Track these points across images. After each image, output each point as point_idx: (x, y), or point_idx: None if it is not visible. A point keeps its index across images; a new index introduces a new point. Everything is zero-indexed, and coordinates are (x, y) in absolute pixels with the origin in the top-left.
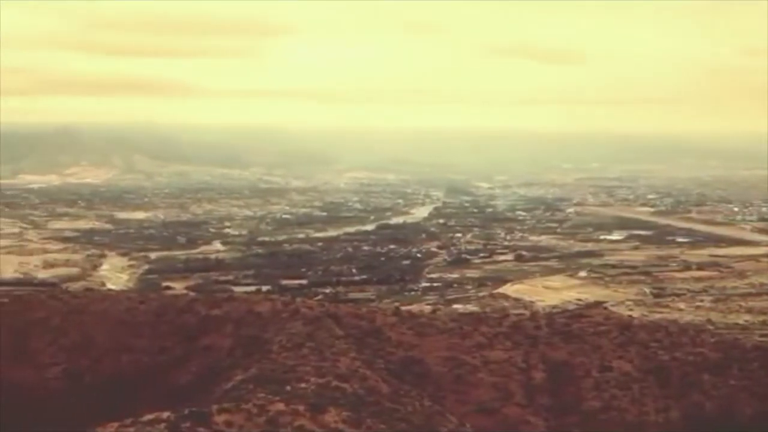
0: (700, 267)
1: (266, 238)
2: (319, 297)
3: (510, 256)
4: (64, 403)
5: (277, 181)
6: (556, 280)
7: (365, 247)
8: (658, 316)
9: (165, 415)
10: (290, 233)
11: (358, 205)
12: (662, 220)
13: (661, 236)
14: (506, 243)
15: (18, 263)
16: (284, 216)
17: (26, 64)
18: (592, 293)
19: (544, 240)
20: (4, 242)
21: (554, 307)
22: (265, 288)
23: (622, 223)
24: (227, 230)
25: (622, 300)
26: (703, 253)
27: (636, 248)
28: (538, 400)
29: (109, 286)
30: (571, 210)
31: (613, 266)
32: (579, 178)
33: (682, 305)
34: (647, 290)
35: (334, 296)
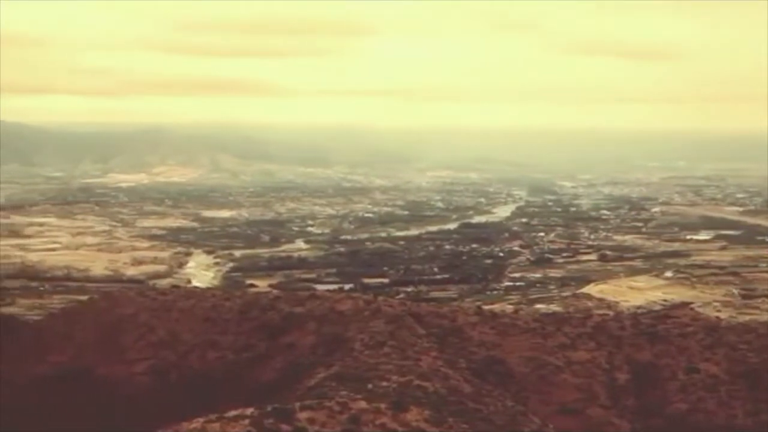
0: None
1: (349, 237)
2: (401, 296)
3: (594, 256)
4: (151, 398)
5: (359, 180)
6: (641, 281)
7: (447, 246)
8: (747, 317)
9: (249, 411)
10: (372, 232)
11: (440, 204)
12: (751, 220)
13: (750, 236)
14: (590, 242)
15: (108, 261)
16: (367, 215)
17: (116, 65)
18: (678, 294)
19: (629, 239)
20: (94, 240)
21: (639, 307)
22: (347, 286)
23: (710, 223)
24: (310, 229)
25: (710, 301)
26: None
27: (724, 248)
28: (622, 402)
29: (195, 283)
30: (656, 209)
31: (700, 266)
32: (665, 177)
33: None
34: (735, 291)
35: (416, 295)
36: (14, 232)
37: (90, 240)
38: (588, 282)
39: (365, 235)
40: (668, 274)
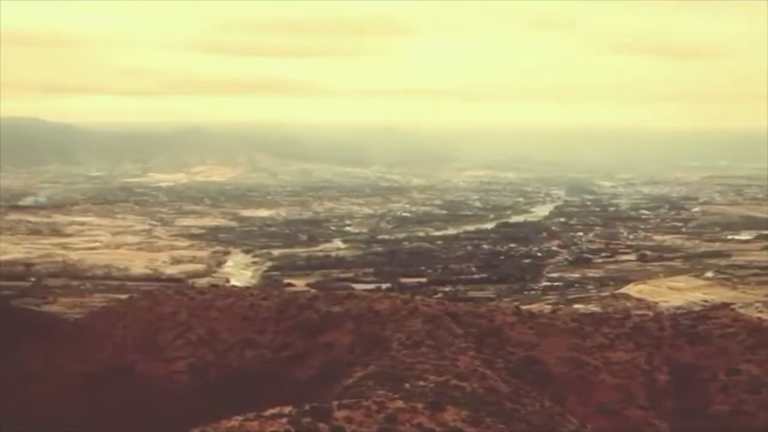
0: None
1: (386, 236)
2: (439, 295)
3: (633, 256)
4: (189, 396)
5: (397, 180)
6: (681, 281)
7: (485, 246)
8: None
9: (287, 410)
10: (410, 231)
11: (478, 204)
12: None
13: None
14: (629, 242)
15: (147, 259)
16: (404, 214)
17: (156, 65)
18: (718, 294)
19: (669, 239)
20: (134, 239)
21: (679, 308)
22: (384, 286)
23: (752, 223)
24: (348, 228)
25: (751, 302)
26: None
27: (766, 248)
28: (662, 403)
29: (233, 282)
30: (697, 209)
31: (742, 267)
32: (706, 176)
33: None
34: None
35: (454, 295)
36: (56, 231)
37: (130, 239)
38: (627, 282)
39: (403, 235)
40: (709, 274)
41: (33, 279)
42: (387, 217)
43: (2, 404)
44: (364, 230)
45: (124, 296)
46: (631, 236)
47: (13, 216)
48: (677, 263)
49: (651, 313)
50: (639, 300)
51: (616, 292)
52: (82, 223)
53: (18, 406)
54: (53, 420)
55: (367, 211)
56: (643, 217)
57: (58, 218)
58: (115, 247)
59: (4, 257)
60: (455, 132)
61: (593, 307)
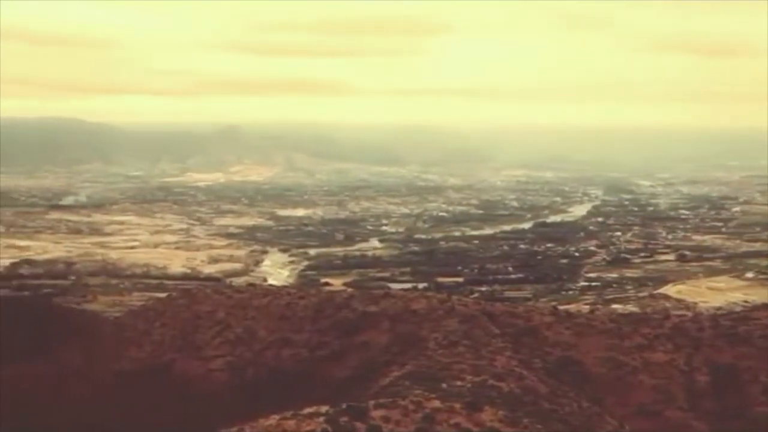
0: None
1: (423, 236)
2: (475, 295)
3: (672, 256)
4: (227, 394)
5: (433, 179)
6: (720, 281)
7: (522, 246)
8: None
9: (324, 408)
10: (447, 231)
11: (514, 203)
12: None
13: None
14: (668, 242)
15: (185, 258)
16: (441, 214)
17: (193, 66)
18: (759, 295)
19: (709, 239)
20: (172, 238)
21: (719, 308)
22: (421, 285)
23: None
24: (384, 228)
25: None
26: None
27: None
28: (701, 405)
29: (271, 281)
30: (737, 209)
31: None
32: (746, 176)
33: None
34: None
35: (490, 294)
36: (96, 230)
37: (168, 238)
38: (666, 282)
39: (439, 234)
40: (749, 274)
41: (73, 277)
42: (423, 216)
43: (42, 401)
44: (401, 230)
45: (162, 295)
46: (670, 236)
47: (54, 215)
48: (717, 263)
49: (690, 314)
50: (678, 300)
51: (655, 292)
52: (122, 223)
53: (58, 403)
54: (91, 417)
55: (404, 210)
56: (683, 216)
57: (98, 217)
58: (153, 246)
59: (46, 256)
60: (492, 131)
61: (631, 308)
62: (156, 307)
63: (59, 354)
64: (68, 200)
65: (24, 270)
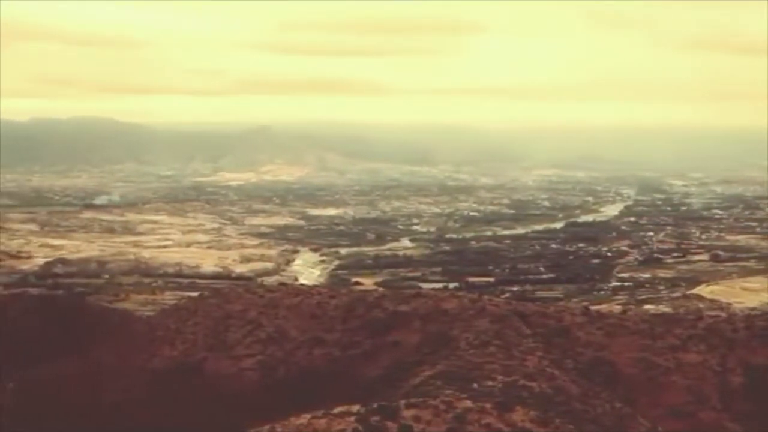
0: None
1: (454, 236)
2: (507, 295)
3: (705, 256)
4: (258, 393)
5: (465, 179)
6: (755, 282)
7: (553, 245)
8: None
9: (355, 408)
10: (478, 231)
11: (546, 203)
12: None
13: None
14: (701, 242)
15: (217, 258)
16: (472, 213)
17: (224, 65)
18: None
19: (743, 240)
20: (204, 237)
21: (753, 309)
22: (452, 285)
23: None
24: (415, 227)
25: None
26: None
27: None
28: (735, 406)
29: (302, 280)
30: None
31: None
32: None
33: None
34: None
35: (522, 294)
36: (128, 230)
37: (200, 237)
38: (699, 283)
39: (470, 234)
40: None
41: (106, 276)
42: (455, 216)
43: (75, 399)
44: (432, 229)
45: (194, 294)
46: (703, 236)
47: (88, 214)
48: (751, 264)
49: (724, 314)
50: (711, 301)
51: (688, 292)
52: (154, 222)
53: (90, 400)
54: (124, 415)
55: (435, 210)
56: (716, 216)
57: (131, 217)
58: (185, 246)
59: (79, 255)
60: (523, 131)
61: (664, 308)
62: (188, 306)
63: (92, 352)
64: (102, 200)
65: (58, 269)
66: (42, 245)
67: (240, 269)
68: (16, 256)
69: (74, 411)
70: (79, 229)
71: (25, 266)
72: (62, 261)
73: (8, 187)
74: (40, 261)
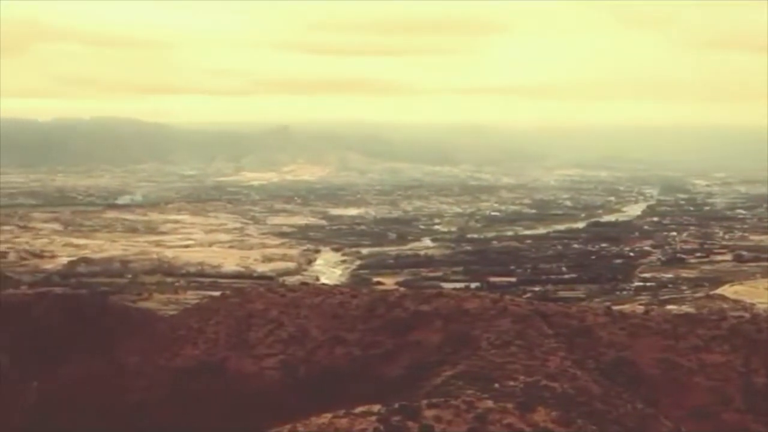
0: None
1: (475, 236)
2: (528, 295)
3: (729, 256)
4: (280, 392)
5: (486, 179)
6: None
7: (575, 245)
8: None
9: (376, 408)
10: (499, 230)
11: (568, 203)
12: None
13: None
14: (725, 242)
15: (239, 257)
16: (493, 213)
17: (246, 65)
18: None
19: (767, 240)
20: (226, 237)
21: None
22: (473, 285)
23: None
24: (437, 227)
25: None
26: None
27: None
28: (759, 406)
29: (323, 280)
30: None
31: None
32: None
33: None
34: None
35: (543, 294)
36: (151, 229)
37: (222, 237)
38: (722, 283)
39: (492, 234)
40: None
41: (129, 276)
42: (476, 216)
43: (98, 398)
44: (453, 229)
45: (216, 293)
46: (726, 236)
47: (111, 214)
48: None
49: (748, 315)
50: (735, 301)
51: (711, 292)
52: (177, 222)
53: (113, 399)
54: (146, 414)
55: (456, 209)
56: (740, 216)
57: (154, 216)
58: (208, 245)
59: (102, 254)
60: (545, 130)
61: (687, 308)
62: (210, 306)
63: (115, 351)
64: (124, 199)
65: (81, 268)
66: (65, 245)
67: (261, 269)
68: (40, 255)
69: (97, 410)
70: (102, 229)
71: (48, 265)
72: (85, 260)
73: (32, 187)
74: (64, 260)
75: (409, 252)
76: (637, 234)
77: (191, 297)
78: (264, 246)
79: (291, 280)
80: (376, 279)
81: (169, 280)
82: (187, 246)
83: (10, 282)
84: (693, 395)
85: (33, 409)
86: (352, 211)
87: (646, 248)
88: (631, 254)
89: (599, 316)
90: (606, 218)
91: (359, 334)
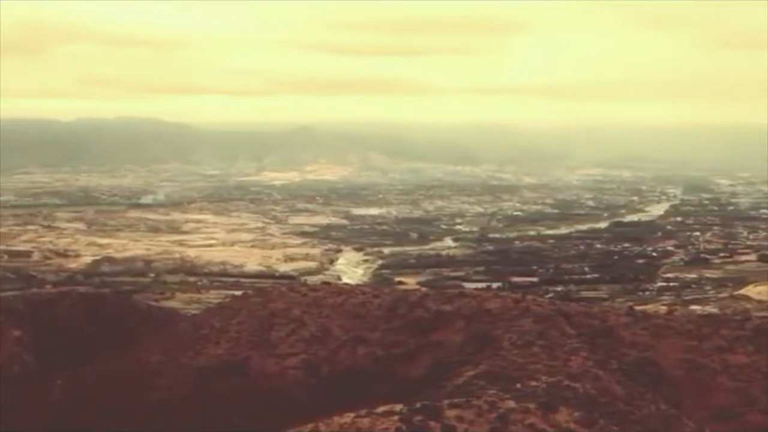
0: None
1: (497, 235)
2: (550, 295)
3: (753, 256)
4: (302, 392)
5: (508, 178)
6: None
7: (598, 245)
8: None
9: (398, 407)
10: (521, 230)
11: (590, 203)
12: None
13: None
14: (749, 242)
15: (261, 257)
16: (515, 213)
17: (267, 65)
18: None
19: None
20: (248, 236)
21: None
22: (495, 285)
23: None
24: (458, 227)
25: None
26: None
27: None
28: None
29: (345, 280)
30: None
31: None
32: None
33: None
34: None
35: (566, 294)
36: (174, 229)
37: (244, 236)
38: (747, 283)
39: (514, 234)
40: None
41: (152, 275)
42: (498, 215)
43: (121, 396)
44: (475, 229)
45: (238, 293)
46: (751, 236)
47: (134, 214)
48: None
49: None
50: (759, 302)
51: (735, 293)
52: (199, 221)
53: (135, 398)
54: (168, 413)
55: (478, 209)
56: (764, 216)
57: (176, 216)
58: (230, 245)
59: (125, 254)
60: (567, 130)
61: (711, 309)
62: (232, 305)
63: (138, 350)
64: (147, 199)
65: (104, 267)
66: (89, 244)
67: (284, 268)
68: (64, 254)
69: (119, 408)
70: (125, 228)
71: (72, 265)
72: (109, 260)
73: (56, 187)
74: (88, 259)
75: (430, 252)
76: (660, 234)
77: (213, 296)
78: (286, 245)
79: (313, 279)
80: (397, 279)
81: (192, 279)
82: (209, 245)
83: (35, 281)
84: (716, 396)
85: (57, 407)
86: (374, 211)
87: (669, 248)
88: (654, 254)
89: (622, 317)
90: (629, 218)
91: (381, 333)
